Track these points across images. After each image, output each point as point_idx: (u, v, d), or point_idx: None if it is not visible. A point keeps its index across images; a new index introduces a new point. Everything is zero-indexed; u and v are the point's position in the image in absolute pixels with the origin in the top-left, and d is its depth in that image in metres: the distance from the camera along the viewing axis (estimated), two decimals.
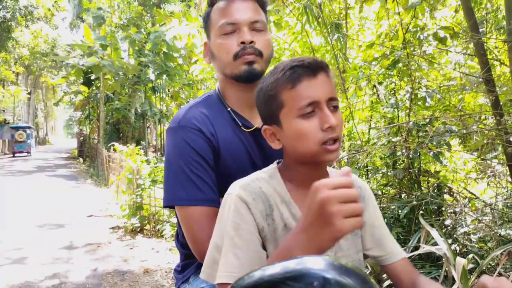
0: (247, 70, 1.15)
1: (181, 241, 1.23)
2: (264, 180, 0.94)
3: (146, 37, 13.04)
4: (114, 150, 8.02)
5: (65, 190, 9.89)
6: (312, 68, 0.88)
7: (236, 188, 0.91)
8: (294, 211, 0.92)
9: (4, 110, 31.75)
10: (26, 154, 24.88)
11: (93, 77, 13.77)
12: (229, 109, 1.21)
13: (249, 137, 1.19)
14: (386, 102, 3.36)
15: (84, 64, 13.21)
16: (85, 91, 16.64)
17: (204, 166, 1.11)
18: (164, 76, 13.02)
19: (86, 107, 18.52)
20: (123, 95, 15.39)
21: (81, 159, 20.48)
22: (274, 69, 0.93)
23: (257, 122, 1.19)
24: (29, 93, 34.80)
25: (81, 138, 22.23)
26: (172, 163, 1.13)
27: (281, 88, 0.89)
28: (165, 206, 1.15)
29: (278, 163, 0.99)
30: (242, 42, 1.14)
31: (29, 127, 25.89)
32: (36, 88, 38.93)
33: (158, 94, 16.21)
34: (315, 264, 0.42)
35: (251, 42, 1.14)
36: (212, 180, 1.12)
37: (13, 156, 24.09)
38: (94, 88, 16.07)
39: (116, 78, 13.84)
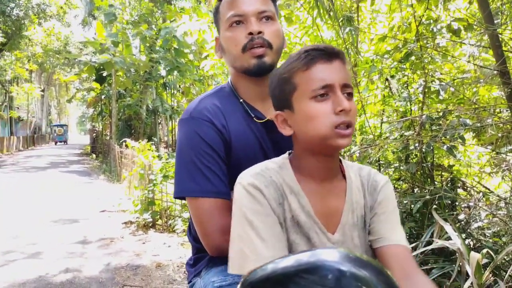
0: (257, 64, 1.13)
1: (193, 235, 1.22)
2: (274, 170, 0.93)
3: (157, 33, 13.10)
4: (126, 146, 8.08)
5: (78, 185, 10.01)
6: (327, 52, 0.87)
7: (247, 177, 0.90)
8: (303, 202, 0.91)
9: (18, 108, 32.22)
10: (63, 143, 39.07)
11: (105, 74, 13.88)
12: (241, 100, 1.19)
13: (262, 128, 1.18)
14: (399, 95, 3.32)
15: (96, 61, 13.31)
16: (97, 88, 16.79)
17: (215, 158, 1.10)
18: (175, 72, 13.08)
19: (99, 104, 18.70)
20: (134, 91, 15.50)
21: (94, 155, 20.70)
22: (289, 57, 0.92)
23: (269, 114, 1.18)
24: (43, 91, 35.24)
25: (94, 134, 22.49)
26: (183, 154, 1.13)
27: (295, 71, 0.89)
28: (175, 197, 1.15)
29: (289, 154, 0.98)
30: (250, 33, 1.12)
31: (65, 125, 41.32)
32: (49, 86, 39.40)
33: (169, 90, 16.30)
34: (330, 256, 0.41)
35: (259, 32, 1.12)
36: (223, 172, 1.11)
37: (55, 144, 38.61)
38: (106, 85, 16.21)
39: (128, 75, 13.93)
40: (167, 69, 12.92)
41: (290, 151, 0.98)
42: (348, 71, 0.91)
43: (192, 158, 1.10)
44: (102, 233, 5.10)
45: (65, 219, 5.98)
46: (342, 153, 3.48)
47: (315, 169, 0.92)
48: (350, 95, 0.88)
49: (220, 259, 1.02)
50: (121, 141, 10.70)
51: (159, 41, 12.79)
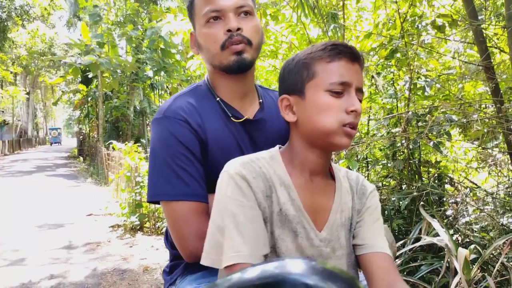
0: (237, 60, 1.08)
1: (170, 240, 1.17)
2: (265, 160, 0.90)
3: (143, 34, 12.98)
4: (113, 148, 7.98)
5: (65, 189, 9.86)
6: (353, 54, 0.87)
7: (234, 166, 0.86)
8: (293, 195, 0.88)
9: (3, 111, 31.73)
10: (58, 144, 44.02)
11: (91, 75, 13.72)
12: (218, 99, 1.15)
13: (239, 128, 1.13)
14: (385, 92, 3.32)
15: (81, 62, 13.14)
16: (84, 90, 16.59)
17: (191, 159, 1.05)
18: (162, 73, 12.97)
19: (85, 106, 18.48)
20: (121, 93, 15.34)
21: (81, 158, 20.46)
22: (312, 46, 0.91)
23: (247, 113, 1.14)
24: (28, 93, 34.73)
25: (81, 137, 22.22)
26: (157, 156, 1.08)
27: (318, 59, 0.87)
28: (149, 201, 1.10)
29: (280, 148, 0.96)
30: (229, 30, 1.08)
31: (59, 128, 47.59)
32: (34, 88, 38.83)
33: (157, 91, 16.17)
34: (296, 268, 0.38)
35: (238, 29, 1.08)
36: (199, 174, 1.06)
37: (51, 145, 43.46)
38: (92, 86, 16.02)
39: (114, 76, 13.77)
40: (154, 69, 12.81)
41: (279, 146, 0.96)
42: (363, 77, 0.90)
43: (166, 159, 1.05)
44: (89, 237, 5.01)
45: (50, 224, 5.88)
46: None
47: (308, 163, 0.91)
48: (359, 101, 0.89)
49: (196, 265, 0.97)
50: (107, 143, 10.58)
51: (145, 41, 12.68)
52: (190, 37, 1.21)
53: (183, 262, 1.12)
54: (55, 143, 44.13)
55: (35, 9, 23.35)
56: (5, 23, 20.31)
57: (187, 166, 1.05)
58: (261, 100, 1.20)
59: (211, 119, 1.11)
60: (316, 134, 0.87)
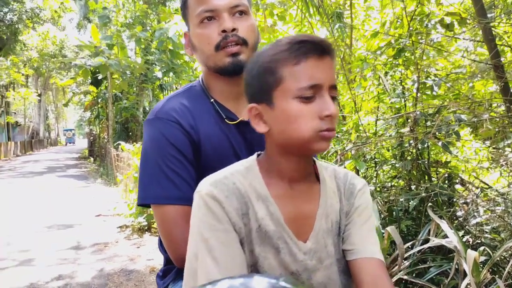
0: (232, 62, 1.06)
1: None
2: (240, 174, 0.85)
3: (151, 35, 13.04)
4: (122, 149, 8.02)
5: (75, 190, 9.94)
6: (321, 48, 0.78)
7: (205, 186, 0.82)
8: (272, 209, 0.83)
9: (15, 113, 32.13)
10: (72, 143, 49.14)
11: (100, 77, 13.81)
12: (212, 100, 1.12)
13: (234, 130, 1.11)
14: (393, 91, 3.27)
15: (91, 64, 13.24)
16: (94, 91, 16.71)
17: (182, 162, 1.03)
18: (171, 74, 13.03)
19: (95, 107, 18.61)
20: (131, 94, 15.43)
21: (91, 159, 20.63)
22: (276, 42, 0.82)
23: (242, 114, 1.11)
24: (39, 95, 35.13)
25: (91, 138, 22.40)
26: (148, 157, 1.05)
27: (283, 62, 0.78)
28: (139, 205, 1.07)
29: (258, 155, 0.90)
30: (224, 31, 1.05)
31: (73, 129, 52.63)
32: (46, 90, 39.26)
33: (166, 91, 16.22)
34: (259, 285, 0.37)
35: (233, 29, 1.05)
36: (191, 177, 1.04)
37: (66, 145, 48.40)
38: (102, 87, 16.13)
39: (123, 77, 13.86)
40: (163, 70, 12.87)
41: (259, 152, 0.91)
42: (335, 69, 0.84)
43: (157, 161, 1.03)
44: (97, 238, 5.04)
45: (59, 225, 5.92)
46: (330, 153, 3.43)
47: (286, 170, 0.85)
48: (334, 99, 0.81)
49: None
50: (116, 144, 10.64)
51: (154, 42, 12.74)
52: (184, 37, 1.18)
53: (175, 267, 1.10)
54: (70, 143, 49.36)
55: (46, 11, 23.62)
56: (16, 26, 20.56)
57: (178, 168, 1.02)
58: None
59: (204, 121, 1.08)
60: (292, 144, 0.81)
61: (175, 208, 1.01)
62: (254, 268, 0.83)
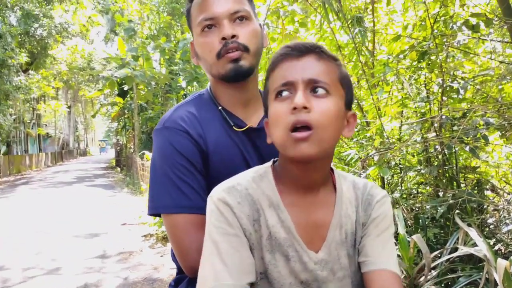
0: (233, 68, 1.04)
1: None
2: (253, 181, 0.84)
3: (175, 45, 13.24)
4: (146, 158, 8.13)
5: (102, 199, 10.14)
6: (297, 50, 0.79)
7: (218, 191, 0.82)
8: (283, 216, 0.81)
9: (46, 125, 33.14)
10: (105, 152, 51.65)
11: (126, 88, 14.08)
12: (220, 108, 1.11)
13: (243, 137, 1.09)
14: (418, 95, 3.19)
15: (117, 76, 13.53)
16: (120, 102, 17.06)
17: (191, 171, 1.02)
18: (195, 83, 13.15)
19: (122, 118, 18.98)
20: (156, 104, 15.67)
21: (118, 169, 21.00)
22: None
23: (251, 121, 1.10)
24: (69, 107, 36.19)
25: (118, 148, 22.84)
26: (157, 167, 1.05)
27: (268, 74, 0.84)
28: (149, 214, 1.07)
29: (274, 162, 0.89)
30: (224, 38, 1.04)
31: (106, 140, 50.26)
32: (75, 102, 40.41)
33: None
34: None
35: (233, 36, 1.04)
36: (200, 186, 1.02)
37: (100, 154, 52.73)
38: (128, 98, 16.45)
39: (149, 88, 14.09)
40: (186, 80, 13.02)
41: (275, 159, 0.89)
42: (328, 66, 0.80)
43: (166, 171, 1.02)
44: (122, 246, 5.10)
45: (86, 234, 6.03)
46: (354, 159, 3.36)
47: (296, 178, 0.83)
48: (322, 94, 0.77)
49: None
50: (141, 153, 10.81)
51: (178, 53, 12.92)
52: (190, 47, 1.18)
53: (187, 277, 1.08)
54: (103, 152, 53.77)
55: (74, 26, 24.34)
56: (46, 41, 21.25)
57: (187, 177, 1.02)
58: None
59: (212, 129, 1.07)
60: (279, 150, 0.81)
61: (185, 217, 1.00)
62: (264, 275, 0.82)
